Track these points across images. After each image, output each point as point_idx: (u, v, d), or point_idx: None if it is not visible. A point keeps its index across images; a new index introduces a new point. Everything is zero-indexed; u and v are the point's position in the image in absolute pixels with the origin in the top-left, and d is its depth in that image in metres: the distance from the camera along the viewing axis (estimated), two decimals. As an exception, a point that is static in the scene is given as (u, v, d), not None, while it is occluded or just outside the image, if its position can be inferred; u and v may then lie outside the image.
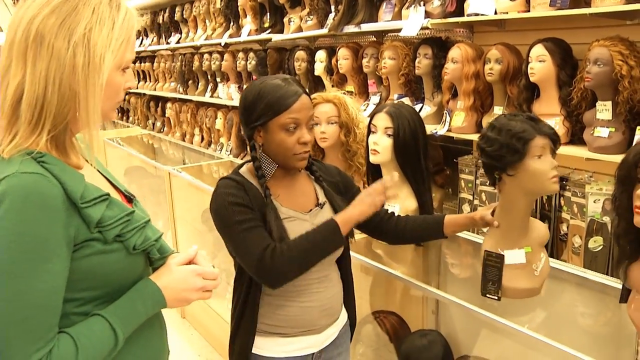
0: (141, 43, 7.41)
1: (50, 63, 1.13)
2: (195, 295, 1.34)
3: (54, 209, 1.10)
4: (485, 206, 2.03)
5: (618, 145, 2.37)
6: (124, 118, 8.44)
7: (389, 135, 2.12)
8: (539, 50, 2.56)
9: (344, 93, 2.53)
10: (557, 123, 2.62)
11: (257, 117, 1.62)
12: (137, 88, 7.59)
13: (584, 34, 2.54)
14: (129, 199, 1.37)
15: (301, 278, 1.66)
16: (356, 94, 3.75)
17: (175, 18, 6.20)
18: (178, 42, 6.26)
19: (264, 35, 4.55)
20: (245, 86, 4.99)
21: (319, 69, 3.97)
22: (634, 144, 2.27)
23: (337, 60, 3.73)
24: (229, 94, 5.26)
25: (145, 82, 7.50)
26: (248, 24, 4.83)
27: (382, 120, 2.13)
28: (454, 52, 2.94)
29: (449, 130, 3.05)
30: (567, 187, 2.72)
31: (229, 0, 5.01)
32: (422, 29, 3.06)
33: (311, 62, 4.06)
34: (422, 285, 1.89)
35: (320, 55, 3.96)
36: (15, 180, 1.08)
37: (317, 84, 4.14)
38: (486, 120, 2.91)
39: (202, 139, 5.98)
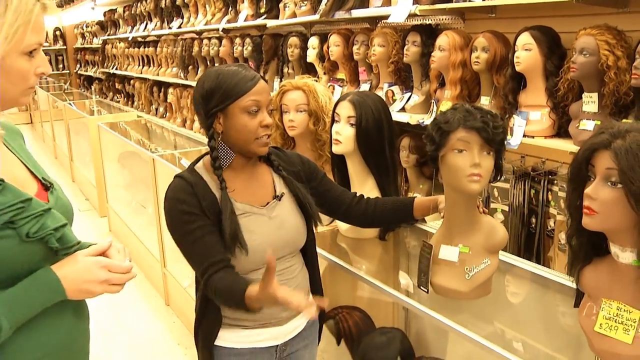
0: (145, 27, 7.38)
1: None
2: (99, 288, 1.28)
3: None
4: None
5: (603, 139, 2.25)
6: (129, 103, 8.42)
7: (352, 125, 2.02)
8: (525, 39, 2.46)
9: (315, 80, 2.45)
10: (543, 115, 2.52)
11: (217, 102, 1.57)
12: (142, 73, 7.56)
13: (575, 22, 2.43)
14: (47, 187, 1.32)
15: (262, 269, 1.59)
16: (347, 82, 3.69)
17: (177, 3, 6.14)
18: (180, 27, 6.21)
19: (259, 21, 4.48)
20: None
21: (311, 55, 3.89)
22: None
23: (328, 47, 3.64)
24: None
25: (149, 67, 7.45)
26: (245, 9, 4.76)
27: (345, 109, 2.03)
28: (441, 40, 2.84)
29: (435, 121, 2.94)
30: (555, 182, 2.63)
31: (227, -15, 4.94)
32: (411, 15, 2.97)
33: (304, 48, 3.99)
34: (385, 288, 1.79)
35: (313, 41, 3.88)
36: None
37: (309, 71, 4.06)
38: (473, 111, 2.81)
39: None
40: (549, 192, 2.66)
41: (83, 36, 11.94)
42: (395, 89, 3.32)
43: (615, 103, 2.21)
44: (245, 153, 1.64)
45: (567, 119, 2.47)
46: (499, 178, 1.66)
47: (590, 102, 2.29)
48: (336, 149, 2.07)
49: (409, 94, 3.24)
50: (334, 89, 3.70)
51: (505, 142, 1.61)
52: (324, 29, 4.16)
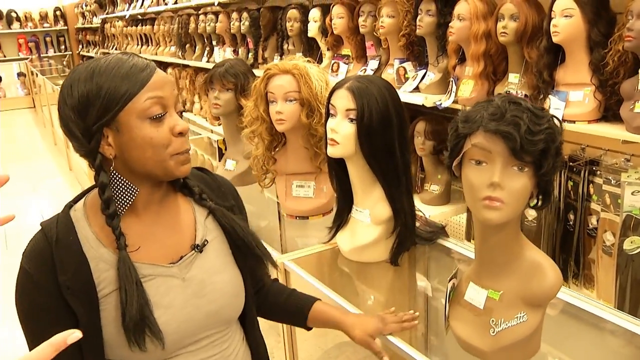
0: (142, 4, 6.99)
1: None
2: None
3: None
4: (372, 318, 1.44)
5: (666, 124, 1.84)
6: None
7: (352, 120, 1.59)
8: (565, 3, 2.04)
9: (307, 61, 2.02)
10: (586, 95, 2.11)
11: (99, 114, 1.07)
12: (140, 52, 7.20)
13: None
14: None
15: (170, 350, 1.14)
16: (353, 58, 3.29)
17: (171, -24, 5.74)
18: (175, 2, 5.84)
19: (256, -8, 4.07)
20: (241, 50, 4.57)
21: (313, 29, 3.49)
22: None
23: (331, 20, 3.24)
24: (225, 59, 4.81)
25: (148, 46, 7.09)
26: (241, -21, 4.35)
27: (343, 100, 1.60)
28: (461, 7, 2.43)
29: (455, 102, 2.55)
30: (599, 173, 2.23)
31: (220, -46, 4.53)
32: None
33: (305, 22, 3.58)
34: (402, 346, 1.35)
35: (314, 14, 3.47)
36: None
37: (311, 47, 3.67)
38: (499, 90, 2.41)
39: (202, 107, 5.57)
40: (590, 185, 2.26)
41: (83, 15, 11.61)
42: (408, 65, 2.92)
43: (682, 80, 1.78)
44: (155, 180, 1.15)
45: (617, 99, 2.04)
46: (540, 204, 1.21)
47: (648, 79, 1.87)
48: (332, 152, 1.64)
49: (424, 71, 2.83)
50: (338, 66, 3.31)
51: (552, 150, 1.13)
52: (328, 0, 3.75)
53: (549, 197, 1.19)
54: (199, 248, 1.19)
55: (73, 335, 0.74)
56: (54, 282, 1.08)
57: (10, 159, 8.14)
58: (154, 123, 1.08)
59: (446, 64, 2.70)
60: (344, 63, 3.31)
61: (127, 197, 1.13)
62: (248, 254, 1.24)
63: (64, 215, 1.15)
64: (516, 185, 1.12)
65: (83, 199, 1.18)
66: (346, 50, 3.32)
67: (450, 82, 2.61)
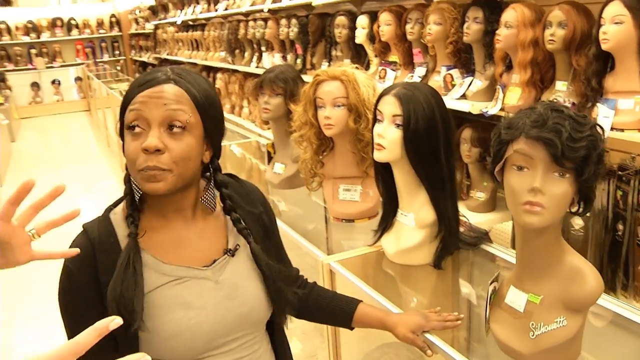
0: (193, 11, 7.16)
1: None
2: None
3: None
4: (414, 314, 1.48)
5: None
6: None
7: (398, 126, 1.63)
8: (615, 9, 2.01)
9: (356, 67, 2.06)
10: (637, 103, 2.08)
11: (119, 117, 1.17)
12: (190, 57, 7.36)
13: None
14: None
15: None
16: (401, 65, 3.31)
17: (222, -17, 5.87)
18: (226, 9, 5.96)
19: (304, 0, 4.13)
20: (289, 56, 4.64)
21: (361, 36, 3.52)
22: None
23: (378, 27, 3.27)
24: (274, 64, 4.88)
25: (198, 51, 7.24)
26: (290, -14, 4.42)
27: (389, 106, 1.64)
28: (508, 15, 2.42)
29: (501, 110, 2.55)
30: (649, 182, 2.20)
31: (270, -38, 4.61)
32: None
33: (353, 28, 3.62)
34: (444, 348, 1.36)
35: (362, 20, 3.51)
36: None
37: (359, 54, 3.70)
38: (547, 98, 2.40)
39: (250, 112, 5.67)
40: (641, 194, 2.23)
41: (137, 22, 11.93)
42: (455, 72, 2.92)
43: None
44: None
45: (668, 107, 2.02)
46: (581, 211, 1.22)
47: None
48: (379, 156, 1.68)
49: (471, 78, 2.83)
50: (385, 73, 3.33)
51: (594, 157, 1.15)
52: (375, 6, 3.78)
53: (590, 204, 1.21)
54: (231, 252, 1.24)
55: (115, 321, 0.79)
56: (95, 281, 1.14)
57: (65, 160, 8.42)
58: (132, 135, 1.12)
59: (493, 72, 2.70)
60: (391, 70, 3.33)
61: (135, 196, 1.18)
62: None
63: (104, 218, 1.21)
64: (557, 190, 1.14)
65: (122, 203, 1.23)
66: (393, 57, 3.34)
67: (497, 90, 2.61)
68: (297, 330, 2.49)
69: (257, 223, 1.31)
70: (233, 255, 1.24)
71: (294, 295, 1.27)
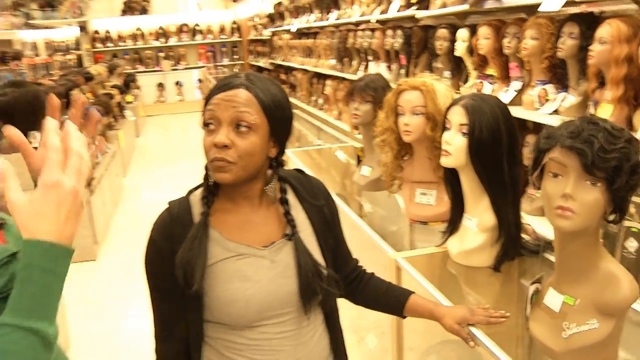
0: (307, 19, 7.45)
1: None
2: (80, 201, 0.92)
3: None
4: (462, 307, 1.56)
5: None
6: (292, 94, 8.57)
7: (464, 134, 1.74)
8: None
9: (435, 79, 2.17)
10: None
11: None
12: (302, 64, 7.65)
13: None
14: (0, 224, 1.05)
15: (256, 330, 1.34)
16: (498, 79, 3.34)
17: (335, -6, 6.09)
18: (337, 18, 6.17)
19: (409, 12, 4.25)
20: (394, 66, 4.76)
21: (460, 49, 3.58)
22: None
23: (477, 40, 3.32)
24: (377, 72, 5.02)
25: (310, 58, 7.52)
26: (397, -1, 4.55)
27: (457, 115, 1.75)
28: (603, 30, 2.41)
29: (592, 126, 2.53)
30: None
31: (380, -26, 4.76)
32: (570, 2, 2.56)
33: (453, 41, 3.68)
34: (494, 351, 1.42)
35: (462, 34, 3.57)
36: None
37: (458, 66, 3.76)
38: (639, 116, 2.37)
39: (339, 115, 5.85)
40: None
41: (255, 28, 12.48)
42: (550, 87, 2.92)
43: None
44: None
45: None
46: (612, 218, 1.27)
47: None
48: (445, 162, 1.80)
49: (564, 93, 2.83)
50: (482, 85, 3.38)
51: (626, 168, 1.20)
52: (478, 19, 3.82)
53: (624, 214, 1.26)
54: (288, 236, 1.39)
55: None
56: (171, 249, 1.33)
57: (182, 156, 8.98)
58: (207, 131, 1.30)
59: (586, 87, 2.69)
60: (489, 83, 3.37)
61: (209, 180, 1.37)
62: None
63: (185, 198, 1.42)
64: (587, 197, 1.21)
65: (202, 187, 1.42)
66: (491, 70, 3.37)
67: (589, 106, 2.60)
68: (371, 325, 2.61)
69: (319, 214, 1.46)
70: (290, 239, 1.39)
71: (323, 291, 1.38)
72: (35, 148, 0.98)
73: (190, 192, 1.44)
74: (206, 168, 1.38)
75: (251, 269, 1.34)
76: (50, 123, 0.90)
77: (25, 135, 0.99)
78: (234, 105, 1.28)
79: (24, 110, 4.74)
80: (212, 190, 1.38)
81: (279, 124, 1.34)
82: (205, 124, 1.31)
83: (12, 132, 0.95)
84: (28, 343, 0.83)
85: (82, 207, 0.93)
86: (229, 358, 1.35)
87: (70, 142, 0.91)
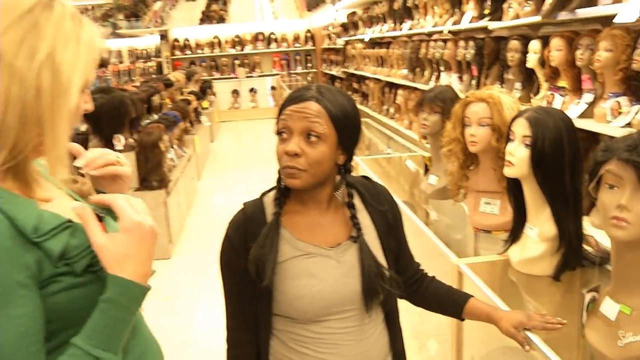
0: (380, 29, 7.53)
1: (11, 85, 0.98)
2: (155, 237, 1.08)
3: (1, 249, 0.96)
4: (519, 312, 1.59)
5: None
6: (364, 103, 8.66)
7: (527, 146, 1.78)
8: None
9: (501, 91, 2.22)
10: None
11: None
12: (375, 73, 7.74)
13: None
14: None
15: (320, 324, 1.43)
16: (569, 91, 3.32)
17: (408, 4, 6.16)
18: (410, 28, 6.23)
19: (481, 23, 4.27)
20: (465, 77, 4.79)
21: (532, 60, 3.57)
22: None
23: (549, 52, 3.31)
24: (448, 84, 5.05)
25: (383, 67, 7.60)
26: (470, 10, 4.57)
27: (521, 127, 1.80)
28: (679, 44, 2.39)
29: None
30: None
31: (453, -15, 4.81)
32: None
33: (525, 53, 3.68)
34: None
35: (534, 45, 3.56)
36: None
37: (530, 77, 3.76)
38: None
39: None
40: None
41: (329, 37, 12.68)
42: (623, 100, 2.88)
43: None
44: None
45: None
46: None
47: None
48: (508, 172, 1.85)
49: (638, 106, 2.79)
50: (553, 97, 3.36)
51: None
52: (551, 31, 3.80)
53: None
54: (353, 239, 1.47)
55: None
56: (245, 246, 1.44)
57: (254, 162, 9.21)
58: (280, 140, 1.41)
59: (661, 101, 2.65)
60: (560, 95, 3.35)
61: (282, 183, 1.47)
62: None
63: (259, 199, 1.53)
64: None
65: (275, 190, 1.52)
66: (563, 82, 3.35)
67: (664, 119, 2.57)
68: (433, 331, 2.66)
69: (383, 218, 1.54)
70: (355, 242, 1.47)
71: (384, 291, 1.45)
72: (120, 150, 1.13)
73: (264, 194, 1.54)
74: (279, 172, 1.48)
75: (318, 267, 1.43)
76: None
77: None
78: (305, 116, 1.37)
79: (110, 115, 5.09)
80: (284, 192, 1.49)
81: (347, 133, 1.43)
82: (278, 133, 1.41)
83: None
84: None
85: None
86: (295, 349, 1.45)
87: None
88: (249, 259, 1.41)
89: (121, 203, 1.05)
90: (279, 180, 1.49)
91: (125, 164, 1.33)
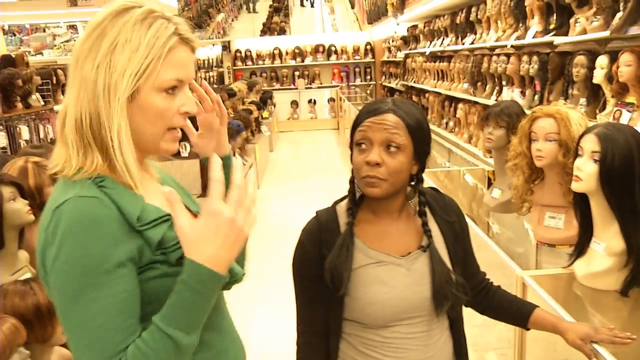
0: (441, 43, 7.54)
1: (80, 87, 1.13)
2: (237, 230, 1.10)
3: (108, 232, 1.08)
4: (586, 324, 1.61)
5: None
6: (422, 115, 8.66)
7: (595, 161, 1.80)
8: None
9: (569, 107, 2.24)
10: None
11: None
12: (435, 87, 7.75)
13: None
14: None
15: (389, 329, 1.48)
16: (638, 107, 3.27)
17: (471, 18, 6.16)
18: (472, 42, 6.23)
19: (547, 38, 4.25)
20: (528, 92, 4.76)
21: (599, 76, 3.54)
22: None
23: (617, 67, 3.28)
24: (512, 99, 5.02)
25: (443, 81, 7.60)
26: (534, 25, 4.55)
27: (590, 143, 1.82)
28: None
29: None
30: None
31: (518, 0, 4.79)
32: None
33: (591, 68, 3.65)
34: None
35: (602, 61, 3.53)
36: (71, 204, 1.08)
37: (595, 93, 3.71)
38: None
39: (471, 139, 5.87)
40: None
41: (389, 50, 12.73)
42: (691, 117, 2.85)
43: None
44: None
45: None
46: None
47: None
48: (575, 186, 1.87)
49: None
50: (620, 114, 3.32)
51: None
52: (619, 46, 3.75)
53: None
54: (423, 248, 1.51)
55: None
56: (319, 253, 1.49)
57: (312, 172, 9.32)
58: (359, 150, 1.46)
59: None
60: (627, 111, 3.31)
61: (355, 193, 1.54)
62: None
63: (332, 208, 1.58)
64: None
65: (347, 199, 1.57)
66: (631, 98, 3.30)
67: None
68: (492, 344, 2.67)
69: (450, 229, 1.58)
70: (425, 251, 1.51)
71: (454, 298, 1.49)
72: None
73: (336, 202, 1.60)
74: (351, 182, 1.55)
75: (389, 275, 1.47)
76: (216, 159, 1.11)
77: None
78: (385, 128, 1.42)
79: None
80: (356, 202, 1.55)
81: (422, 144, 1.49)
82: (357, 144, 1.47)
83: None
84: (164, 344, 1.06)
85: (243, 237, 1.11)
86: (364, 353, 1.51)
87: (233, 175, 1.13)
88: (324, 267, 1.47)
89: (216, 188, 1.09)
90: (351, 190, 1.55)
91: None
